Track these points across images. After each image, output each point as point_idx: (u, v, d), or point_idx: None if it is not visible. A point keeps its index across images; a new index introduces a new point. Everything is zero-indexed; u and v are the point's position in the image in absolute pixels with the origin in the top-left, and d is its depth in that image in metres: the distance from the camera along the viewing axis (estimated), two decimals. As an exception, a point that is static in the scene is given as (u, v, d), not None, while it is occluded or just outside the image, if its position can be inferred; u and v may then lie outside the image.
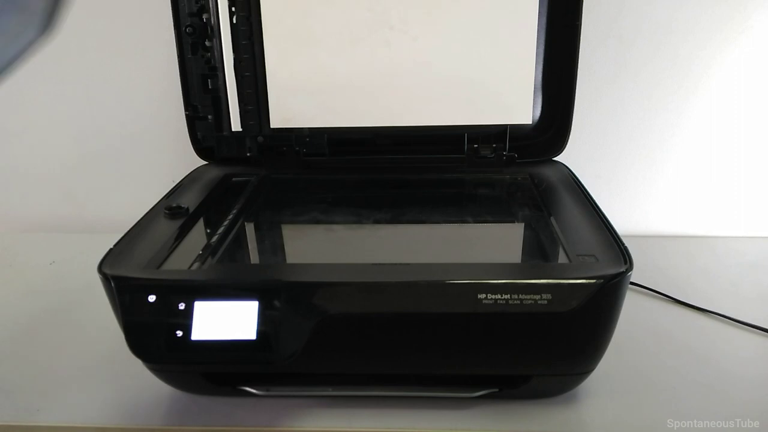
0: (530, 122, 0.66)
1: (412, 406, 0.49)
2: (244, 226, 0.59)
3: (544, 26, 0.64)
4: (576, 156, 0.69)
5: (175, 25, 0.64)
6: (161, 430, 0.48)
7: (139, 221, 0.54)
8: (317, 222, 0.61)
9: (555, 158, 0.70)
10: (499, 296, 0.41)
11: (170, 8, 0.63)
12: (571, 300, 0.41)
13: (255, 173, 0.69)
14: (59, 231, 0.88)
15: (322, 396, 0.50)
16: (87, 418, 0.49)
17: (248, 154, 0.69)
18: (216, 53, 0.65)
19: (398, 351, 0.46)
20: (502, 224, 0.64)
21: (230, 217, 0.58)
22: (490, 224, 0.63)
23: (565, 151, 0.68)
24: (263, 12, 0.62)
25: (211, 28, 0.65)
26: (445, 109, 0.65)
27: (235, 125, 0.67)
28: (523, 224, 0.60)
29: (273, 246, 0.60)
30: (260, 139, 0.68)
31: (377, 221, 0.61)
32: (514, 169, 0.68)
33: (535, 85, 0.65)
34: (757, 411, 0.48)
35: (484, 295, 0.41)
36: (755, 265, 0.73)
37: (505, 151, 0.68)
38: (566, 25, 0.64)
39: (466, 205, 0.68)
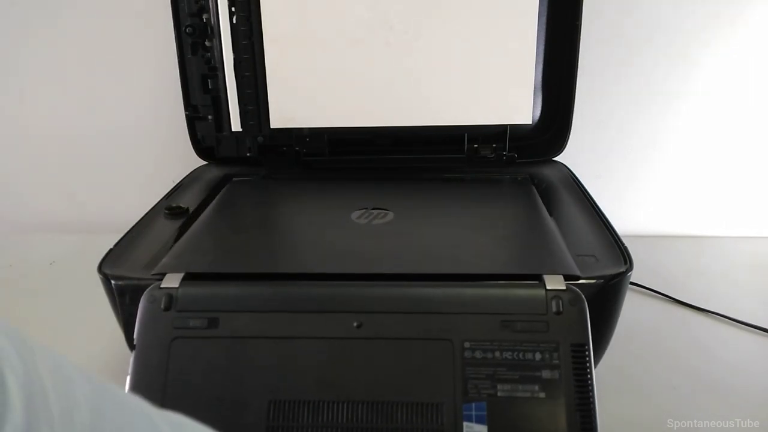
0: (530, 122, 0.65)
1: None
2: None
3: (544, 26, 0.64)
4: (576, 156, 0.69)
5: (175, 25, 0.64)
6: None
7: (139, 221, 0.54)
8: None
9: (555, 158, 0.70)
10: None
11: (170, 8, 0.64)
12: (571, 300, 0.41)
13: (255, 173, 0.69)
14: (59, 231, 0.88)
15: None
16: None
17: (248, 154, 0.69)
18: (216, 53, 0.65)
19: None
20: None
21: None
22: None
23: (565, 151, 0.69)
24: (263, 12, 0.62)
25: (211, 28, 0.65)
26: (445, 109, 0.65)
27: (235, 125, 0.67)
28: None
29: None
30: (260, 139, 0.68)
31: None
32: (514, 169, 0.68)
33: (535, 85, 0.65)
34: (757, 411, 0.48)
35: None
36: (755, 265, 0.73)
37: (505, 151, 0.68)
38: (566, 25, 0.64)
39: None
